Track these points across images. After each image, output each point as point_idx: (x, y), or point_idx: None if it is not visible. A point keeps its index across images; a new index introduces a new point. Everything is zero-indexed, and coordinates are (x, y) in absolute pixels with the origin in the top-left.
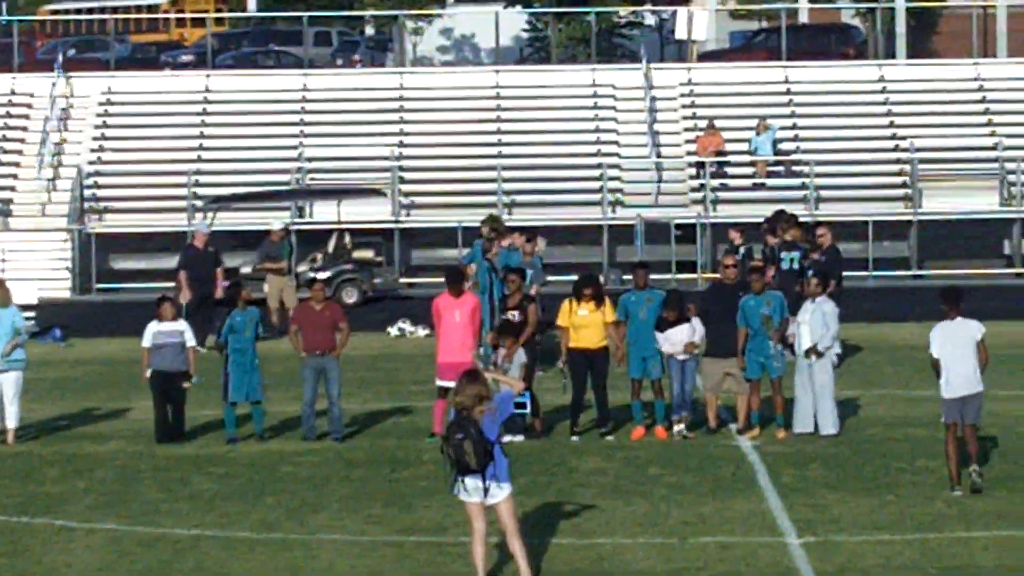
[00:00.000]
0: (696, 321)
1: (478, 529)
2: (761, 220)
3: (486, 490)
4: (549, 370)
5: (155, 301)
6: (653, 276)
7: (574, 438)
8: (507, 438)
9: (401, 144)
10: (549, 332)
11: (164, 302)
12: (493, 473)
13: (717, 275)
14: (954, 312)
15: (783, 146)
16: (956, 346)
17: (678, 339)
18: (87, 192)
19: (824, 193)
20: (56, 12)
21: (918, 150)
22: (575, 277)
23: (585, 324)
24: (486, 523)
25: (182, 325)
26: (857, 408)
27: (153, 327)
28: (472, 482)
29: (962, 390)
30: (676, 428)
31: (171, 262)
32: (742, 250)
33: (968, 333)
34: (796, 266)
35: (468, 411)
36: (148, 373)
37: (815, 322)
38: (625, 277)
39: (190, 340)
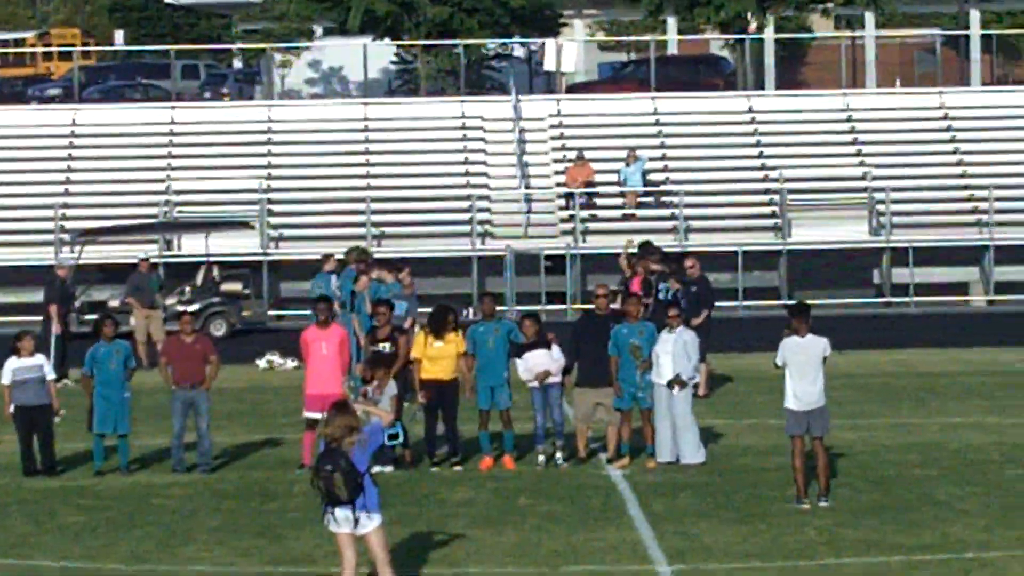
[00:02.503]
0: (556, 349)
1: (348, 560)
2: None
3: (356, 521)
4: (414, 402)
5: (14, 336)
6: (523, 307)
7: (433, 469)
8: (376, 468)
9: (269, 177)
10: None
11: (23, 337)
12: (363, 504)
13: (589, 305)
14: (804, 328)
15: (652, 177)
16: (806, 362)
17: (534, 363)
18: None
19: (694, 223)
20: None
21: (787, 180)
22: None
23: (439, 356)
24: (357, 554)
25: (40, 359)
26: (728, 437)
27: (12, 363)
28: (342, 513)
29: (809, 404)
30: (556, 456)
31: (38, 296)
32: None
33: (818, 349)
34: (671, 297)
35: (337, 442)
36: (11, 409)
37: (677, 352)
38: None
39: (49, 374)
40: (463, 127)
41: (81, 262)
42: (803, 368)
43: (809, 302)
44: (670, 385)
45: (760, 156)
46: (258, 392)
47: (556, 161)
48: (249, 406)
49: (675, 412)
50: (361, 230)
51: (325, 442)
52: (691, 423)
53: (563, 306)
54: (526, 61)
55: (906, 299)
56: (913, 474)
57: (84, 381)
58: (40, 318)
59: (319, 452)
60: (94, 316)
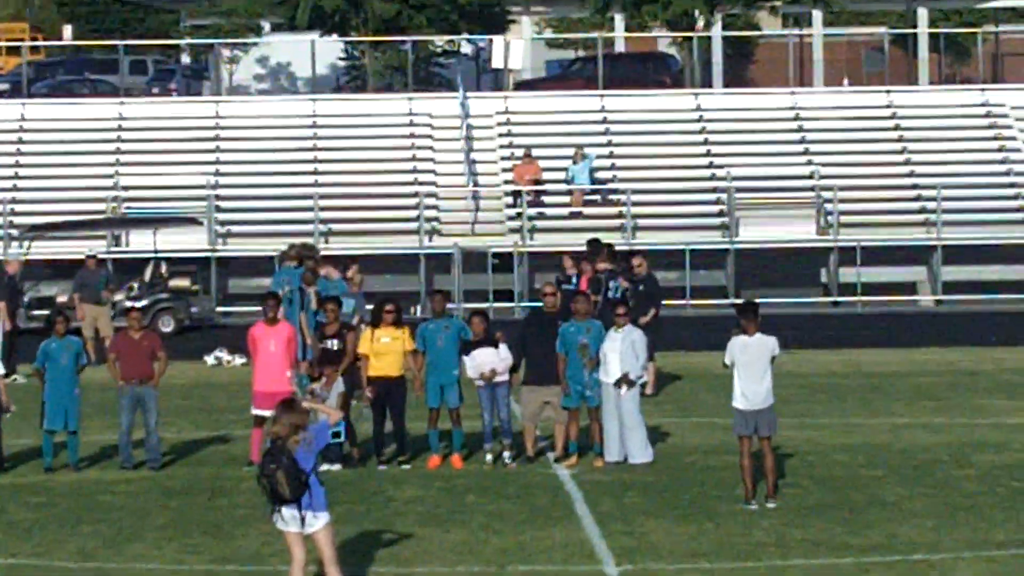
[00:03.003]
0: (503, 348)
1: (297, 558)
2: (582, 249)
3: (303, 519)
4: (361, 399)
5: None
6: (472, 305)
7: (381, 467)
8: (324, 467)
9: (217, 173)
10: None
11: None
12: (309, 503)
13: (537, 303)
14: (753, 327)
15: (600, 175)
16: (754, 361)
17: (481, 361)
18: None
19: (641, 222)
20: None
21: (735, 179)
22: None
23: (385, 352)
24: (305, 552)
25: None
26: (675, 436)
27: None
28: (289, 512)
29: (757, 404)
30: (504, 455)
31: None
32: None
33: (767, 349)
34: (619, 295)
35: (283, 440)
36: None
37: (625, 351)
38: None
39: None
40: (411, 124)
41: (30, 258)
42: (751, 367)
43: (757, 301)
44: (618, 384)
45: (708, 154)
46: (206, 388)
47: (504, 159)
48: (197, 402)
49: (623, 411)
50: (309, 227)
51: (271, 440)
52: (639, 422)
53: (511, 304)
54: (474, 58)
55: (854, 299)
56: (861, 474)
57: (37, 375)
58: None
59: (264, 450)
60: (43, 312)
